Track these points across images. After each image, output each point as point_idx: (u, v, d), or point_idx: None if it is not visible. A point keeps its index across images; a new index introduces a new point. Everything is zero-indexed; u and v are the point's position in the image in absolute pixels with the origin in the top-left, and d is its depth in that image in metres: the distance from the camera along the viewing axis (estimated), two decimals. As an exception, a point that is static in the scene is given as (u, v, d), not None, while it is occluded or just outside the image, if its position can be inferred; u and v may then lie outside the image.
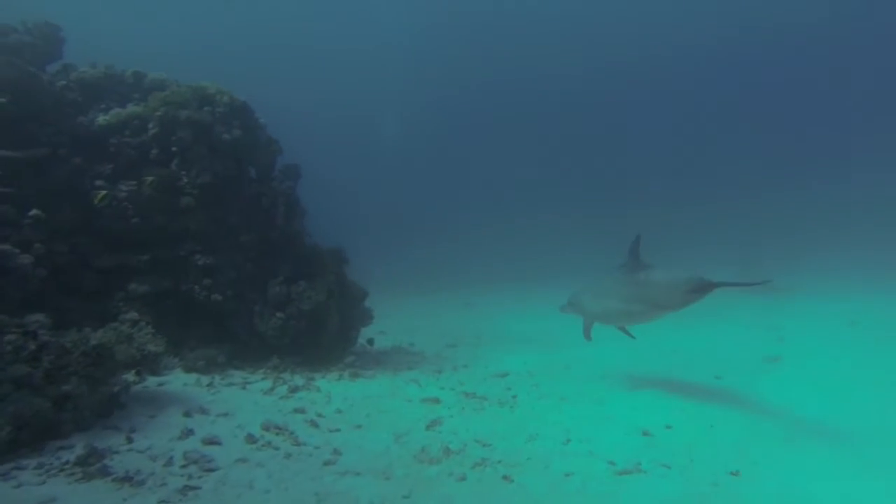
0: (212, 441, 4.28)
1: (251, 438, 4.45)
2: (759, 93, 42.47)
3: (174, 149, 7.13)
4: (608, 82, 43.81)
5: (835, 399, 5.84)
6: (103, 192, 6.64)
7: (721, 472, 3.87)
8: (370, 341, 8.81)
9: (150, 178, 6.99)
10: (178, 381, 5.96)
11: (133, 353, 4.52)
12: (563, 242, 25.57)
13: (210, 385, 6.00)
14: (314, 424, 5.00)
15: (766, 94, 42.43)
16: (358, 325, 8.62)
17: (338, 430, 4.92)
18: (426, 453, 4.32)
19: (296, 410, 5.35)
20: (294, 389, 6.12)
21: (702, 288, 5.64)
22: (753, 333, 10.11)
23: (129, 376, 4.83)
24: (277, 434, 4.66)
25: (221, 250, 7.45)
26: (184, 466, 3.72)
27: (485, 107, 45.06)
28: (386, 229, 31.52)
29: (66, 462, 3.63)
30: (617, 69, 43.21)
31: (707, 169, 38.42)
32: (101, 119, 7.01)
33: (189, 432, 4.41)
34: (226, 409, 5.17)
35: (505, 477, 3.87)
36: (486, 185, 40.24)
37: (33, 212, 6.04)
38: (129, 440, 4.05)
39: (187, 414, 4.88)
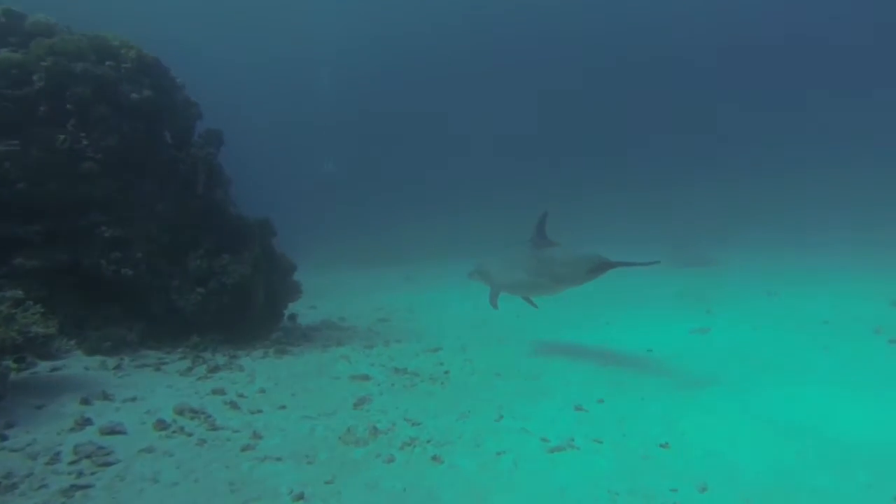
0: (113, 430, 3.86)
1: (161, 424, 4.07)
2: (687, 71, 43.78)
3: (69, 107, 6.36)
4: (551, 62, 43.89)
5: (757, 368, 6.05)
6: None
7: (651, 445, 3.86)
8: (292, 317, 8.41)
9: (62, 137, 6.24)
10: (77, 364, 5.42)
11: (12, 336, 3.98)
12: (505, 220, 25.68)
13: (118, 367, 5.50)
14: (234, 406, 4.65)
15: (695, 72, 43.80)
16: (286, 299, 8.22)
17: (259, 411, 4.60)
18: (352, 434, 4.09)
19: (214, 392, 4.97)
20: (214, 369, 5.72)
21: (600, 267, 6.05)
22: (683, 305, 10.45)
23: (9, 363, 4.27)
24: (192, 418, 4.30)
25: (133, 221, 6.82)
26: (73, 462, 3.30)
27: (430, 81, 44.21)
28: (325, 202, 30.65)
29: None
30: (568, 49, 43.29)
31: (635, 153, 39.65)
32: (-39, 64, 6.09)
33: (85, 422, 3.97)
34: (134, 394, 4.73)
35: (434, 457, 3.71)
36: (433, 159, 39.85)
37: None
38: (1, 437, 3.56)
39: (85, 401, 4.41)
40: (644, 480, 3.34)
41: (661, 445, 3.84)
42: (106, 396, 4.58)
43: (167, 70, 7.39)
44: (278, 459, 3.64)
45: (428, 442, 3.99)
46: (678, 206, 28.41)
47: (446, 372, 6.02)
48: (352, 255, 21.31)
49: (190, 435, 3.94)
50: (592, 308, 10.60)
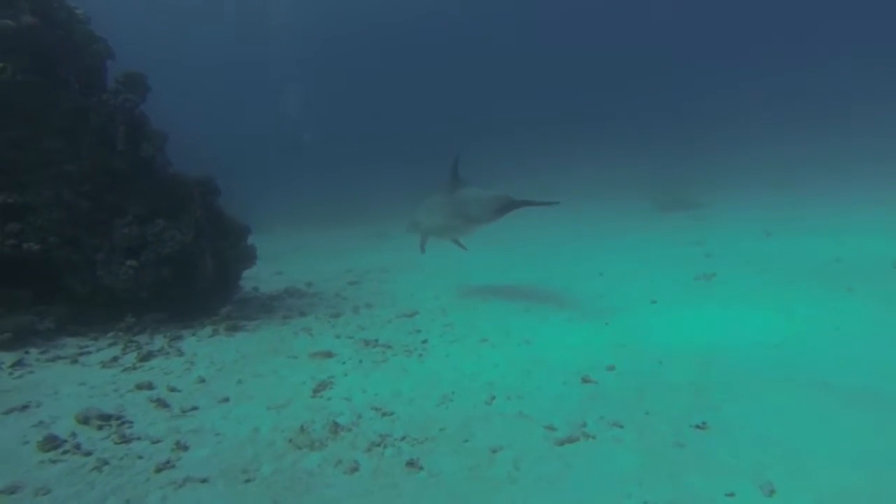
0: (-24, 458, 2.91)
1: (51, 442, 3.11)
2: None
3: None
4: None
5: (788, 321, 5.24)
6: None
7: (684, 426, 3.05)
8: (237, 288, 7.35)
9: (1, 65, 5.11)
10: (-41, 365, 4.39)
11: None
12: (487, 170, 24.59)
13: (17, 364, 4.46)
14: (162, 404, 3.72)
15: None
16: (240, 267, 7.20)
17: (194, 409, 3.68)
18: (306, 434, 3.21)
19: (139, 387, 4.03)
20: (146, 357, 4.76)
21: (506, 206, 6.12)
22: (680, 251, 9.69)
23: None
24: (100, 427, 3.36)
25: (34, 184, 5.69)
26: None
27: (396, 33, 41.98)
28: (289, 159, 29.09)
29: None
30: None
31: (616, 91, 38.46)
32: None
33: (-61, 449, 3.00)
34: (28, 399, 3.75)
35: (410, 463, 2.85)
36: (406, 110, 38.28)
37: None
38: None
39: (-49, 417, 3.43)
40: (687, 482, 2.53)
41: (698, 427, 3.03)
42: (-12, 406, 3.61)
43: (59, -5, 6.06)
44: (203, 481, 2.75)
45: (402, 439, 3.13)
46: (658, 148, 27.66)
47: (424, 341, 5.16)
48: (320, 216, 20.20)
49: (88, 454, 3.00)
50: (580, 258, 9.82)
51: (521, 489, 2.57)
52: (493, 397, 3.66)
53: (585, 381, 3.86)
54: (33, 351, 4.75)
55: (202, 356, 4.83)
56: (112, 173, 6.12)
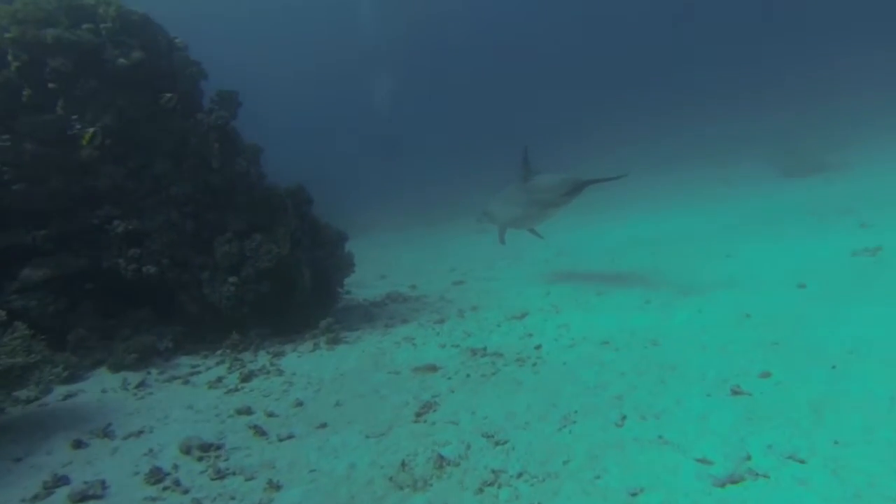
0: (86, 495, 2.83)
1: (156, 475, 3.00)
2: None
3: (52, 85, 5.40)
4: None
5: None
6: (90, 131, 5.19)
7: (897, 463, 2.27)
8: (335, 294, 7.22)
9: (168, 96, 5.67)
10: (96, 387, 4.54)
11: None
12: (587, 157, 23.34)
13: (140, 385, 4.58)
14: (259, 432, 3.54)
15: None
16: (339, 276, 7.09)
17: (290, 437, 3.45)
18: (408, 471, 2.83)
19: (239, 412, 3.89)
20: (247, 377, 4.67)
21: (577, 187, 6.34)
22: (823, 222, 8.29)
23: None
24: (200, 459, 3.22)
25: (148, 210, 5.88)
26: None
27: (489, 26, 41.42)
28: (387, 157, 29.54)
29: None
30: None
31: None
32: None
33: (58, 482, 2.98)
34: (143, 425, 3.74)
35: (531, 511, 2.35)
36: (501, 103, 37.70)
37: None
38: None
39: (78, 444, 3.46)
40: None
41: (921, 467, 2.23)
42: (106, 433, 3.62)
43: (160, 28, 6.24)
44: (295, 531, 2.44)
45: (518, 476, 2.64)
46: (774, 104, 24.70)
47: (537, 347, 4.64)
48: (421, 213, 20.16)
49: (186, 492, 2.84)
50: (700, 236, 8.73)
51: (678, 555, 1.98)
52: (624, 417, 3.07)
53: (736, 392, 3.15)
54: (154, 371, 4.87)
55: (301, 375, 4.66)
56: (211, 191, 6.20)
